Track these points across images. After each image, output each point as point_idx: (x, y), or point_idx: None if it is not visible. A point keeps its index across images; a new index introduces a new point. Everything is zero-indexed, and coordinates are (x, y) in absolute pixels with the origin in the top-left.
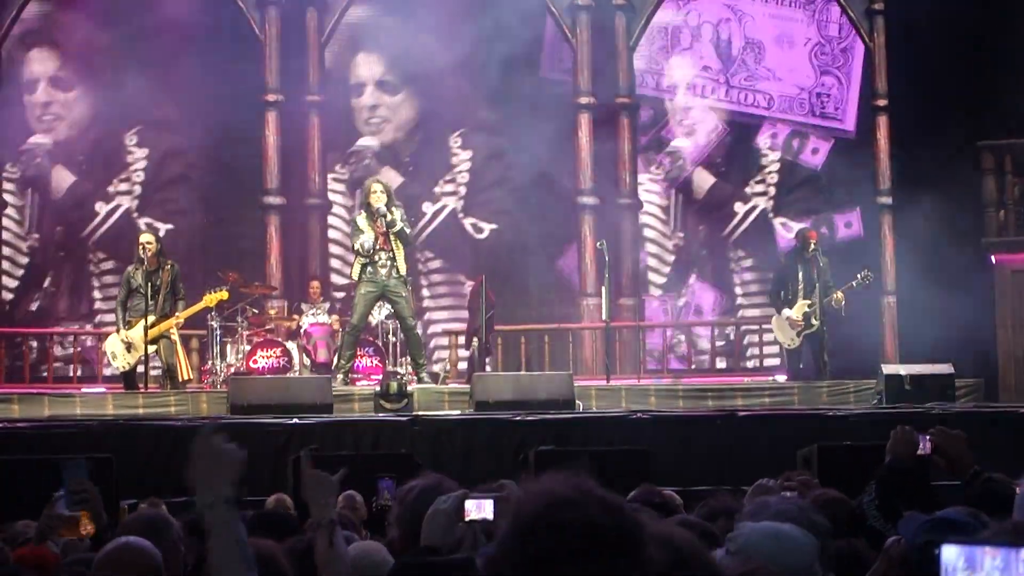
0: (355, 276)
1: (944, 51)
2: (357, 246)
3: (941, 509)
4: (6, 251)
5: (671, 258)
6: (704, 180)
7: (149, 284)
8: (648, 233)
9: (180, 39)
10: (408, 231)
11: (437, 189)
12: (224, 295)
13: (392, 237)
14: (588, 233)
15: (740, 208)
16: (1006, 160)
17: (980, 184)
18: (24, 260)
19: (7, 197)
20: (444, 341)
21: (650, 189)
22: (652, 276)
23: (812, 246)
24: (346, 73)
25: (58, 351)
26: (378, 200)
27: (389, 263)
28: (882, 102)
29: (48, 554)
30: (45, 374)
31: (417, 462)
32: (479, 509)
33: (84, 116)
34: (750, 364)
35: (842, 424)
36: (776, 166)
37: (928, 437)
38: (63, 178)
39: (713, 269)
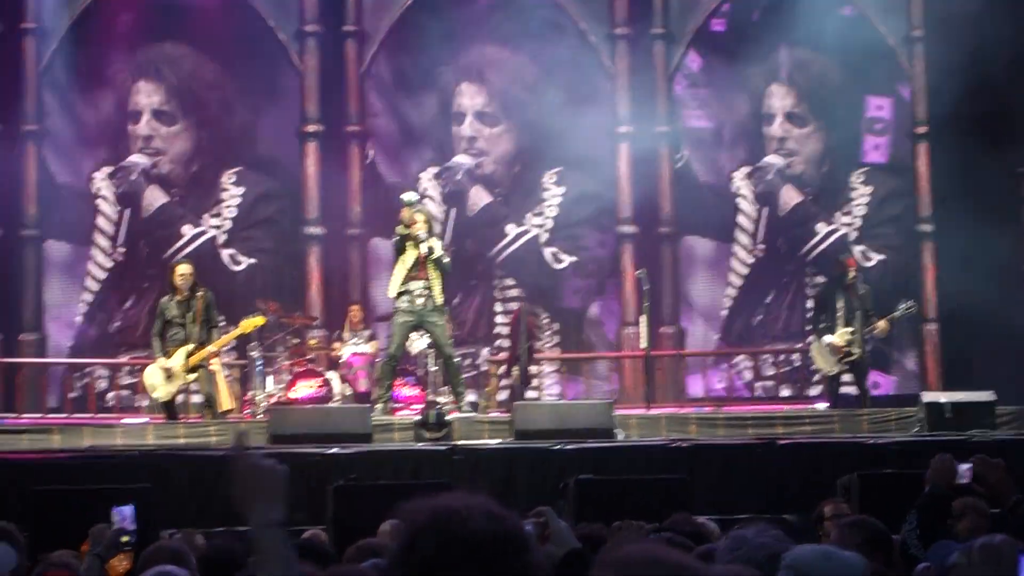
0: (392, 293)
1: (983, 76)
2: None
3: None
4: (92, 268)
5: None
6: (791, 197)
7: (187, 314)
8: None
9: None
10: (447, 260)
11: (525, 217)
12: (261, 321)
13: (430, 265)
14: (628, 262)
15: (822, 228)
16: None
17: (1020, 210)
18: (103, 275)
19: (102, 211)
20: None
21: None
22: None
23: (851, 274)
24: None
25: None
26: (418, 230)
27: (426, 292)
28: (922, 129)
29: None
30: (112, 404)
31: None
32: None
33: (185, 151)
34: (813, 391)
35: (883, 452)
36: (866, 199)
37: (968, 466)
38: (155, 197)
39: (791, 288)
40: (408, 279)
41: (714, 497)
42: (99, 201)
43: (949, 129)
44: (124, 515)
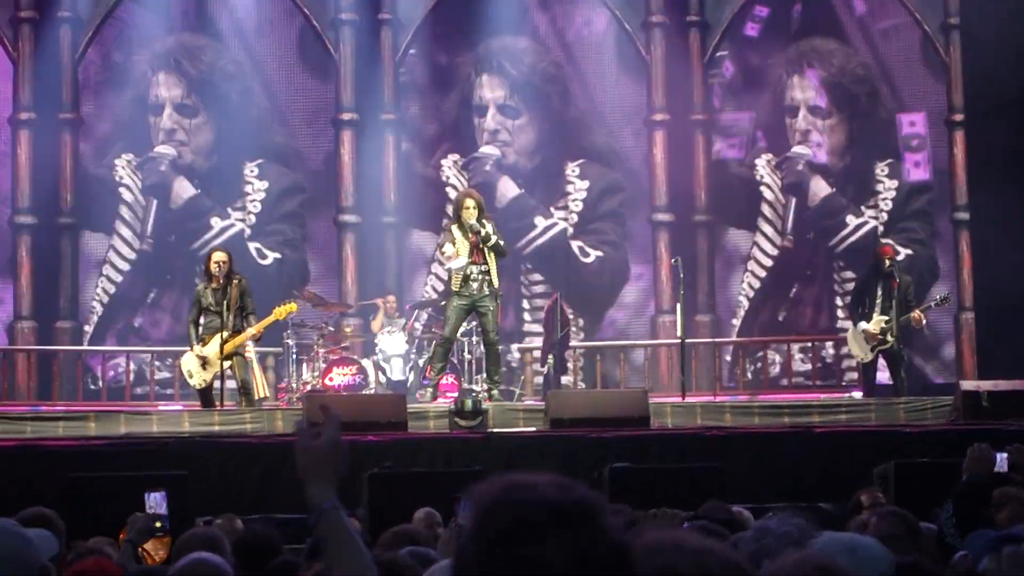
0: (455, 288)
1: (1019, 64)
2: (448, 264)
3: None
4: (115, 259)
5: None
6: (820, 188)
7: (224, 301)
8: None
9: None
10: (503, 243)
11: (552, 207)
12: (293, 307)
13: (486, 250)
14: (663, 250)
15: (852, 221)
16: None
17: None
18: (126, 267)
19: (127, 197)
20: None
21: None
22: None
23: (887, 263)
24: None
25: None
26: (470, 216)
27: (482, 276)
28: (958, 117)
29: (110, 567)
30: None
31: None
32: None
33: (208, 142)
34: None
35: (919, 441)
36: (892, 193)
37: (1006, 455)
38: (184, 189)
39: (818, 281)
40: (466, 265)
41: (749, 485)
42: (123, 191)
43: (985, 116)
44: (157, 501)
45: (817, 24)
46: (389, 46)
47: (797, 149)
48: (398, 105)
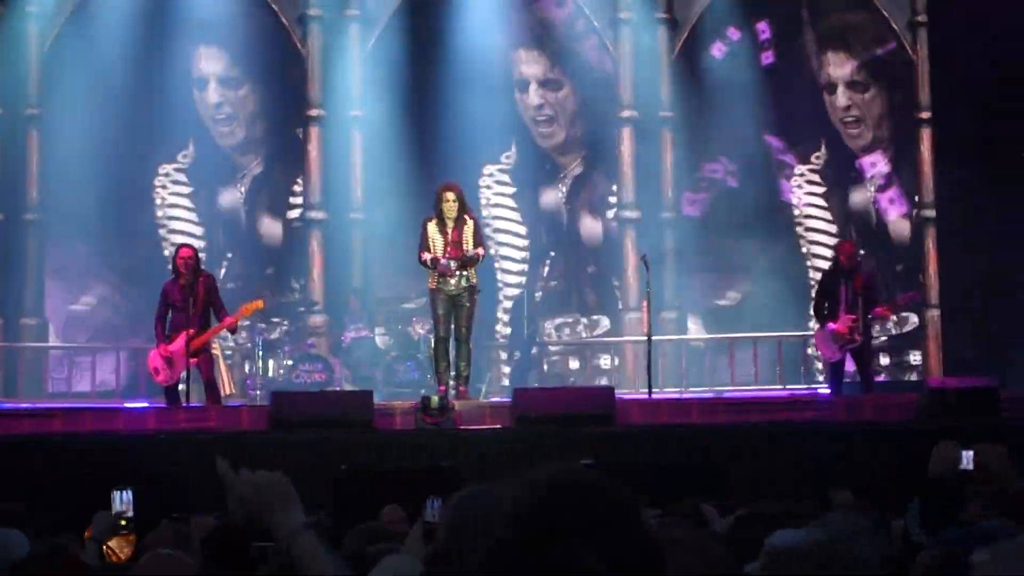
0: (432, 285)
1: (987, 61)
2: (423, 259)
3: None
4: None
5: None
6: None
7: (191, 298)
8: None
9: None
10: (481, 253)
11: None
12: (260, 304)
13: (464, 246)
14: (630, 247)
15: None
16: None
17: None
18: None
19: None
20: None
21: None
22: None
23: (848, 260)
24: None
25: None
26: (451, 210)
27: (459, 273)
28: (925, 114)
29: (75, 564)
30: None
31: (459, 476)
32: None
33: (256, 111)
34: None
35: (886, 438)
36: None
37: (971, 452)
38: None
39: None
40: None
41: (715, 482)
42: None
43: (952, 113)
44: (123, 499)
45: (792, 39)
46: (357, 41)
47: (867, 181)
48: (366, 101)
